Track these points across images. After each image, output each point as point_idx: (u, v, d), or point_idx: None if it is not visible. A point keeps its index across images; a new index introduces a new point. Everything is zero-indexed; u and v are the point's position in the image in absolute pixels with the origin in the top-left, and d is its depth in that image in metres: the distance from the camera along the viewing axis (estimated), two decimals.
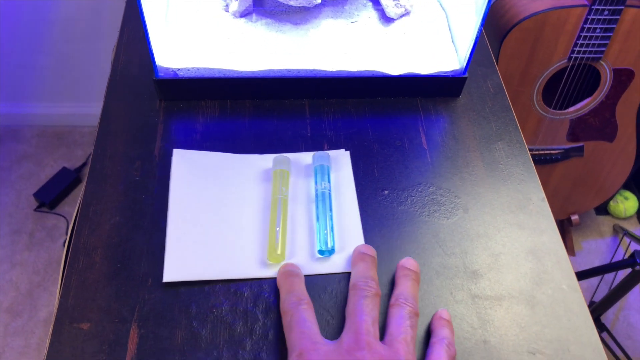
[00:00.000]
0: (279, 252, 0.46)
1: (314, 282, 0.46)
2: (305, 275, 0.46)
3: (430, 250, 0.49)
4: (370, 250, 0.46)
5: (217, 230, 0.48)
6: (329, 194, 0.50)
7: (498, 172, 0.55)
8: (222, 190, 0.51)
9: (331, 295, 0.46)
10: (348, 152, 0.55)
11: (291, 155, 0.54)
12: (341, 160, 0.54)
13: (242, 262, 0.46)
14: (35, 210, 1.55)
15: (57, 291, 0.45)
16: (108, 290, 0.45)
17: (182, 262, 0.46)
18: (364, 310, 0.41)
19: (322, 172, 0.52)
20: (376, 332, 0.40)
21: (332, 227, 0.48)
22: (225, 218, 0.49)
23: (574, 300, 0.47)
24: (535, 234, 0.51)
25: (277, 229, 0.48)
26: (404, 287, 0.44)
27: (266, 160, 0.53)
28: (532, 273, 0.48)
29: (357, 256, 0.46)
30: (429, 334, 0.44)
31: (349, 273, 0.46)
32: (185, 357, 0.42)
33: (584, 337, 0.45)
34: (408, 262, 0.46)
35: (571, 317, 0.46)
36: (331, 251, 0.47)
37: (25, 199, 1.58)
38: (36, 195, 1.55)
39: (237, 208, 0.50)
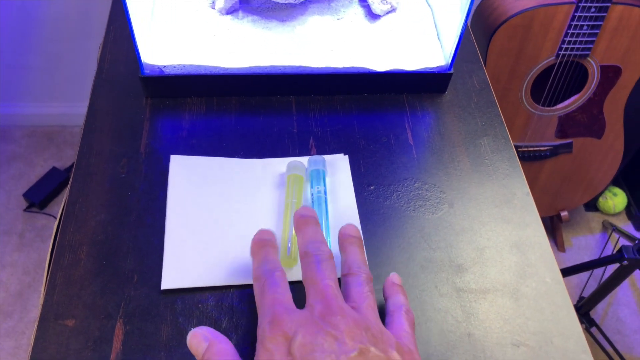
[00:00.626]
0: (291, 256, 0.46)
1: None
2: (299, 281, 0.46)
3: (416, 245, 0.49)
4: (310, 211, 0.44)
5: (216, 236, 0.48)
6: (325, 198, 0.50)
7: (483, 167, 0.55)
8: (220, 195, 0.51)
9: None
10: (346, 157, 0.54)
11: (287, 160, 0.53)
12: (339, 165, 0.54)
13: (241, 268, 0.46)
14: (25, 210, 1.54)
15: (42, 288, 0.45)
16: (93, 286, 0.45)
17: (180, 270, 0.46)
18: (325, 275, 0.39)
19: (317, 177, 0.52)
20: (342, 296, 0.38)
21: (328, 231, 0.48)
22: (224, 224, 0.49)
23: (557, 293, 0.47)
24: (520, 228, 0.51)
25: (289, 233, 0.47)
26: (352, 254, 0.42)
27: (264, 164, 0.53)
28: (517, 266, 0.49)
29: (299, 220, 0.43)
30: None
31: None
32: (171, 352, 0.42)
33: (567, 329, 0.45)
34: (349, 228, 0.44)
35: (554, 310, 0.46)
36: None
37: (15, 200, 1.57)
38: (26, 195, 1.54)
39: (235, 214, 0.49)
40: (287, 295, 0.38)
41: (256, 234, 0.43)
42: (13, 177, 1.61)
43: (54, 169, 1.61)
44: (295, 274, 0.46)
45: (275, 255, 0.42)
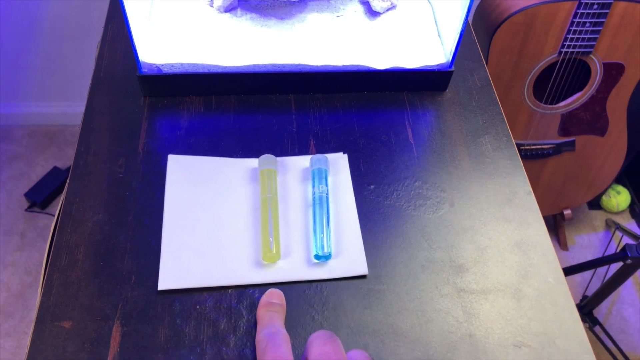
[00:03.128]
0: (273, 251, 0.46)
1: (306, 285, 0.46)
2: (301, 281, 0.46)
3: (416, 245, 0.49)
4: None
5: (213, 236, 0.47)
6: (327, 197, 0.50)
7: (484, 165, 0.55)
8: (217, 195, 0.50)
9: (316, 290, 0.45)
10: (346, 155, 0.54)
11: (289, 159, 0.53)
12: (339, 164, 0.53)
13: (238, 268, 0.46)
14: (26, 210, 1.54)
15: (39, 290, 0.45)
16: (91, 288, 0.44)
17: (177, 270, 0.45)
18: (326, 344, 0.37)
19: (319, 176, 0.51)
20: None
21: (329, 232, 0.48)
22: (220, 223, 0.48)
23: (560, 293, 0.47)
24: (522, 227, 0.50)
25: (270, 228, 0.47)
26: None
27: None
28: (518, 266, 0.48)
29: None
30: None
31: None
32: (169, 354, 0.41)
33: (569, 330, 0.45)
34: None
35: (557, 310, 0.46)
36: (328, 256, 0.46)
37: (16, 199, 1.57)
38: (27, 195, 1.54)
39: (233, 213, 0.49)
40: (289, 357, 0.38)
41: (264, 295, 0.43)
42: (14, 177, 1.61)
43: (55, 169, 1.60)
44: (278, 270, 0.46)
45: (280, 321, 0.42)
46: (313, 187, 0.51)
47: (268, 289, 0.45)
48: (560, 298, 0.46)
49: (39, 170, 1.62)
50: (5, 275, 1.44)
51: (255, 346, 0.40)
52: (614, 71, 1.16)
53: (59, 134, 1.71)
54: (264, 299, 0.43)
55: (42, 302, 0.43)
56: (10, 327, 1.36)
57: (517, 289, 0.47)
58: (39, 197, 1.54)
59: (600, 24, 1.06)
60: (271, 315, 0.42)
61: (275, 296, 0.43)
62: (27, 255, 1.47)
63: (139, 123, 0.55)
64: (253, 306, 0.44)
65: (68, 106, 1.69)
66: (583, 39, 1.09)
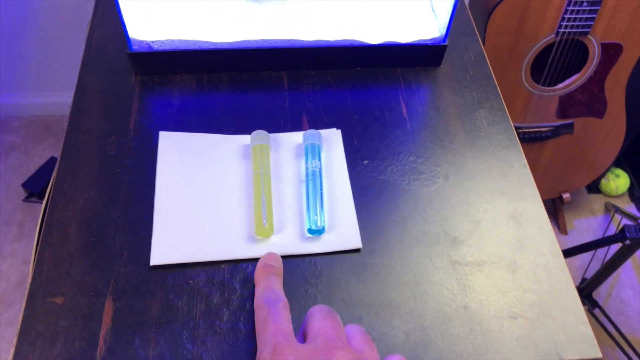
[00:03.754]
0: (266, 225, 0.46)
1: (299, 259, 0.45)
2: (295, 255, 0.45)
3: (411, 219, 0.48)
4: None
5: (205, 211, 0.47)
6: (320, 172, 0.49)
7: (479, 139, 0.54)
8: (209, 171, 0.50)
9: (310, 264, 0.45)
10: (339, 131, 0.53)
11: (282, 135, 0.53)
12: (333, 139, 0.53)
13: (230, 242, 0.45)
14: (24, 200, 1.54)
15: (31, 267, 0.44)
16: (82, 264, 0.44)
17: (169, 245, 0.45)
18: (325, 319, 0.37)
19: (312, 151, 0.51)
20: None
21: (322, 206, 0.47)
22: (213, 199, 0.48)
23: (555, 265, 0.46)
24: (517, 201, 0.50)
25: (263, 202, 0.47)
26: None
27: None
28: (514, 239, 0.48)
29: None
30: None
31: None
32: (161, 328, 0.41)
33: (565, 300, 0.44)
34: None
35: (552, 282, 0.45)
36: (321, 230, 0.46)
37: (14, 190, 1.56)
38: (25, 185, 1.54)
39: (225, 188, 0.49)
40: (290, 328, 0.37)
41: (262, 258, 0.43)
42: (12, 167, 1.61)
43: (52, 159, 1.60)
44: (272, 245, 0.46)
45: (279, 285, 0.41)
46: (306, 162, 0.50)
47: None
48: (556, 270, 0.46)
49: (37, 161, 1.62)
50: (5, 266, 1.44)
51: (254, 310, 0.39)
52: (612, 51, 1.15)
53: (57, 124, 1.71)
54: (262, 261, 0.42)
55: (33, 279, 0.43)
56: (10, 317, 1.36)
57: (512, 261, 0.46)
58: (37, 187, 1.53)
59: (598, 3, 1.05)
60: (270, 279, 0.41)
61: (273, 259, 0.43)
62: (25, 245, 1.47)
63: (130, 101, 0.55)
64: (246, 280, 0.44)
65: (65, 96, 1.68)
66: (580, 19, 1.08)
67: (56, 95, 1.69)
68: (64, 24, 1.48)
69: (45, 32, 1.50)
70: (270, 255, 0.43)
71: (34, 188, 1.53)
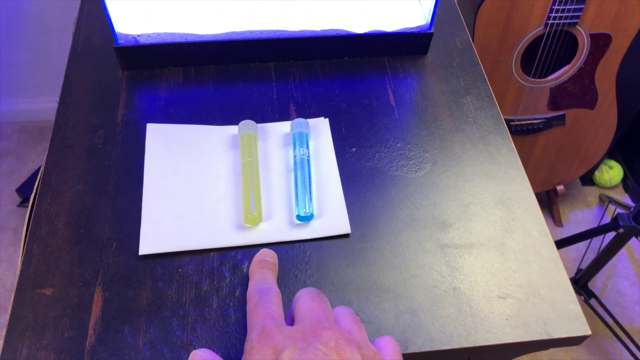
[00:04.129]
0: (255, 213, 0.46)
1: (288, 245, 0.45)
2: (284, 242, 0.45)
3: (399, 204, 0.48)
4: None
5: (193, 200, 0.47)
6: (308, 160, 0.50)
7: (467, 125, 0.54)
8: (197, 161, 0.50)
9: (299, 250, 0.45)
10: (327, 120, 0.54)
11: (269, 125, 0.53)
12: (320, 128, 0.53)
13: (219, 230, 0.45)
14: (18, 206, 1.54)
15: (19, 259, 0.44)
16: (71, 255, 0.44)
17: (157, 235, 0.45)
18: (313, 301, 0.37)
19: (300, 139, 0.51)
20: None
21: (310, 193, 0.48)
22: (201, 188, 0.48)
23: (543, 244, 0.46)
24: (505, 183, 0.50)
25: (251, 190, 0.47)
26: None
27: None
28: (502, 221, 0.48)
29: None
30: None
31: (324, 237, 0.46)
32: (151, 316, 0.41)
33: (553, 279, 0.44)
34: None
35: (541, 262, 0.45)
36: (310, 217, 0.46)
37: (8, 195, 1.56)
38: (19, 190, 1.53)
39: (213, 178, 0.49)
40: (279, 312, 0.37)
41: (258, 253, 0.43)
42: (5, 173, 1.61)
43: None
44: (261, 232, 0.46)
45: (272, 278, 0.41)
46: (294, 150, 0.50)
47: (251, 250, 0.45)
48: (544, 250, 0.46)
49: (31, 166, 1.61)
50: (0, 271, 1.43)
51: (246, 300, 0.39)
52: (601, 42, 1.16)
53: (50, 129, 1.70)
54: (257, 257, 0.43)
55: (22, 271, 0.43)
56: (5, 323, 1.35)
57: (501, 243, 0.46)
58: (31, 192, 1.53)
59: None
60: (264, 271, 0.41)
61: (268, 255, 0.43)
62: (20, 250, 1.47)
63: (117, 95, 0.55)
64: (235, 268, 0.44)
65: (58, 102, 1.68)
66: (569, 10, 1.08)
67: (49, 101, 1.68)
68: (56, 29, 1.48)
69: (37, 37, 1.50)
70: (265, 251, 0.44)
71: (28, 193, 1.53)
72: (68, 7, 1.43)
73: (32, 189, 1.57)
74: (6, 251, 1.47)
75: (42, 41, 1.50)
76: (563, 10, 1.08)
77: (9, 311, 0.41)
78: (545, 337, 0.42)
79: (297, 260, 0.45)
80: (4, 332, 0.41)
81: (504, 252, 0.46)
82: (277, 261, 0.43)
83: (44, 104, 1.69)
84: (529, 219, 0.48)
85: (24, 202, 1.54)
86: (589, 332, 0.42)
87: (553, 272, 0.45)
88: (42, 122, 1.72)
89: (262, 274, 0.41)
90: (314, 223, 0.46)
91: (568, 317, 0.43)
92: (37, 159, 1.64)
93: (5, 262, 1.45)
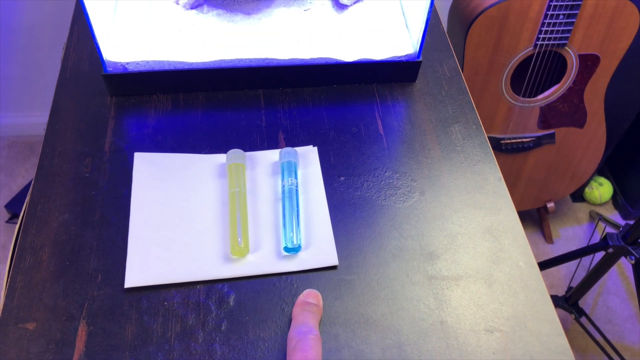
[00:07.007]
0: (242, 245, 0.45)
1: (275, 277, 0.45)
2: (271, 274, 0.45)
3: (387, 234, 0.48)
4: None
5: (180, 232, 0.47)
6: (296, 190, 0.50)
7: (455, 154, 0.55)
8: (184, 191, 0.50)
9: (286, 283, 0.45)
10: (316, 148, 0.54)
11: (258, 153, 0.53)
12: (309, 156, 0.53)
13: (206, 262, 0.45)
14: (7, 222, 1.52)
15: (2, 293, 0.44)
16: (55, 288, 0.43)
17: (143, 267, 0.45)
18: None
19: (289, 169, 0.51)
20: None
21: (298, 224, 0.47)
22: (188, 219, 0.48)
23: (531, 276, 0.46)
24: (492, 213, 0.50)
25: (238, 222, 0.46)
26: None
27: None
28: (489, 252, 0.48)
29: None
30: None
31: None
32: (136, 352, 0.41)
33: (540, 312, 0.44)
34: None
35: (528, 294, 0.45)
36: (297, 248, 0.46)
37: None
38: (8, 206, 1.52)
39: (200, 208, 0.49)
40: (317, 357, 0.38)
41: (302, 295, 0.43)
42: None
43: None
44: (248, 264, 0.45)
45: (314, 320, 0.41)
46: (282, 180, 0.50)
47: (237, 283, 0.44)
48: (531, 281, 0.46)
49: (20, 181, 1.60)
50: None
51: (287, 343, 0.40)
52: (589, 62, 1.17)
53: (39, 144, 1.69)
54: (301, 298, 0.43)
55: (5, 305, 0.42)
56: None
57: (488, 274, 0.46)
58: (20, 208, 1.51)
59: (574, 15, 1.07)
60: (306, 314, 0.42)
61: (312, 296, 0.43)
62: None
63: (105, 122, 0.55)
64: (222, 301, 0.44)
65: (47, 116, 1.67)
66: (557, 31, 1.09)
67: (38, 115, 1.68)
68: (44, 44, 1.47)
69: (25, 51, 1.49)
70: (309, 292, 0.44)
71: (17, 209, 1.51)
72: (59, 22, 1.43)
73: (21, 205, 1.55)
74: None
75: (31, 56, 1.50)
76: (552, 32, 1.09)
77: None
78: None
79: (284, 292, 0.44)
80: None
81: (491, 284, 0.46)
82: (321, 303, 0.43)
83: (33, 119, 1.68)
84: (516, 249, 0.48)
85: (12, 218, 1.53)
86: None
87: (540, 304, 0.45)
88: (31, 137, 1.71)
89: (304, 317, 0.41)
90: (301, 254, 0.46)
91: (555, 350, 0.43)
92: (26, 174, 1.62)
93: None
